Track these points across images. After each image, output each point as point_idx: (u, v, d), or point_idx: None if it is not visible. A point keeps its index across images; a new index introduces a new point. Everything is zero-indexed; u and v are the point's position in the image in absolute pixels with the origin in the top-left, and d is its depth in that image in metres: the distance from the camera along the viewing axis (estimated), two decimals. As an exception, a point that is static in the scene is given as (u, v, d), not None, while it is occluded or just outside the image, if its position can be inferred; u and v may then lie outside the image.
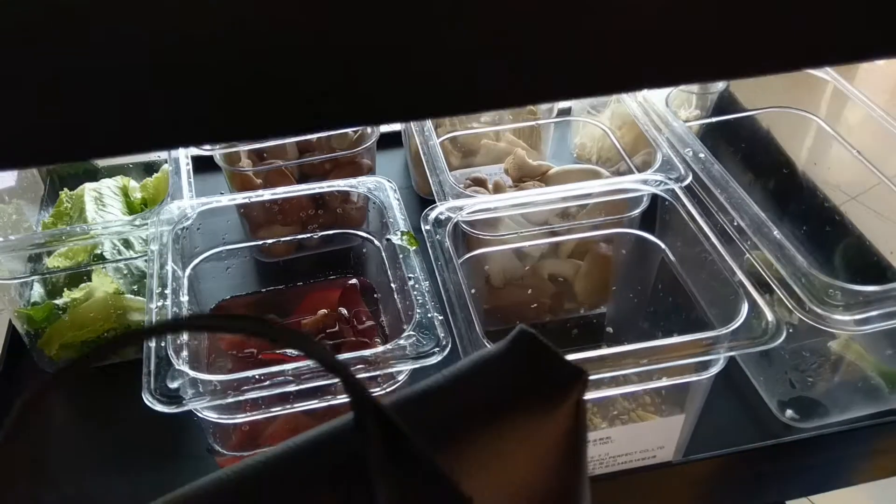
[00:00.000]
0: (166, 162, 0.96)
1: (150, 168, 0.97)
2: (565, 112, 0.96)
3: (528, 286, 0.79)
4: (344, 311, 0.70)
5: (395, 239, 0.62)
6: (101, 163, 0.98)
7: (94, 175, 0.96)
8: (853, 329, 0.57)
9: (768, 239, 0.62)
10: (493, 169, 0.89)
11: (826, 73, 0.81)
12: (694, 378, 0.57)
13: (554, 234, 0.78)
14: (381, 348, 0.54)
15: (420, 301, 0.58)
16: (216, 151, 0.79)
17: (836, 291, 0.57)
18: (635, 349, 0.53)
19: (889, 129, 0.75)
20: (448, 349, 0.55)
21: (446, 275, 0.60)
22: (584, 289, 0.80)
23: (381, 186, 0.69)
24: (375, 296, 0.72)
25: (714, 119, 0.88)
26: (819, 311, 0.56)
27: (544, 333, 0.72)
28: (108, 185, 0.92)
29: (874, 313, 0.56)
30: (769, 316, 0.55)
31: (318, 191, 0.69)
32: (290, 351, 0.66)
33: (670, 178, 0.68)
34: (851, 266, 0.84)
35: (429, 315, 0.57)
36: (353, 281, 0.73)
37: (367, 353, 0.53)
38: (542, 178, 0.86)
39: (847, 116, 0.80)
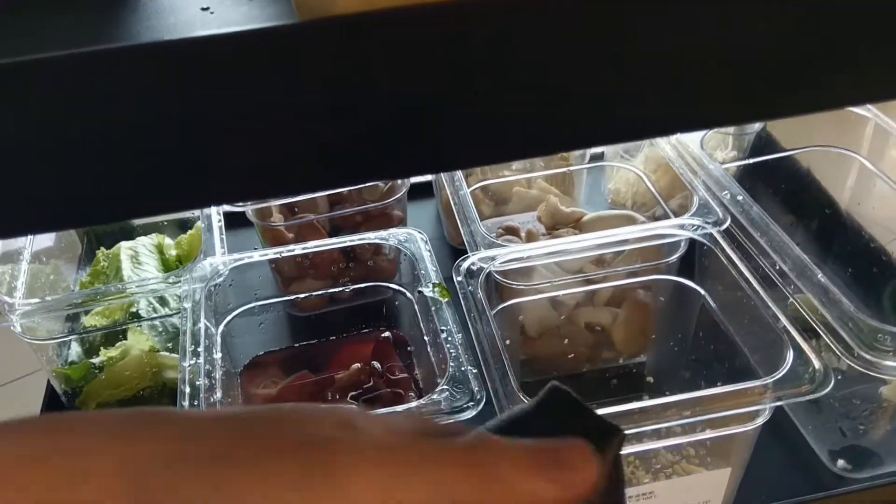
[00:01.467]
0: (199, 219, 0.97)
1: (185, 225, 0.98)
2: (598, 157, 0.96)
3: (564, 336, 0.77)
4: (377, 364, 0.69)
5: (427, 291, 0.62)
6: (137, 221, 0.99)
7: (130, 233, 0.97)
8: (906, 375, 0.54)
9: (812, 282, 0.60)
10: (525, 217, 0.88)
11: (867, 111, 0.79)
12: (740, 429, 0.55)
13: (589, 282, 0.77)
14: (414, 403, 0.53)
15: (453, 354, 0.57)
16: (248, 207, 0.80)
17: (885, 336, 0.54)
18: (678, 400, 0.51)
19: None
20: (483, 403, 0.54)
21: (479, 326, 0.59)
22: (622, 337, 0.78)
23: (412, 238, 0.68)
24: (409, 349, 0.71)
25: (752, 160, 0.86)
26: (868, 356, 0.54)
27: (583, 384, 0.71)
28: (144, 243, 0.93)
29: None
30: (816, 363, 0.53)
31: (348, 244, 0.69)
32: (323, 407, 0.65)
33: (707, 222, 0.67)
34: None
35: (462, 368, 0.56)
36: (386, 334, 0.72)
37: (400, 408, 0.52)
38: (576, 224, 0.85)
39: (890, 153, 0.77)
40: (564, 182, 0.96)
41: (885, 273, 0.81)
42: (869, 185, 0.80)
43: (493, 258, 0.65)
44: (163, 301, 0.82)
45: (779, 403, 0.52)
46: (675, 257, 0.69)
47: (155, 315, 0.75)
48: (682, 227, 0.66)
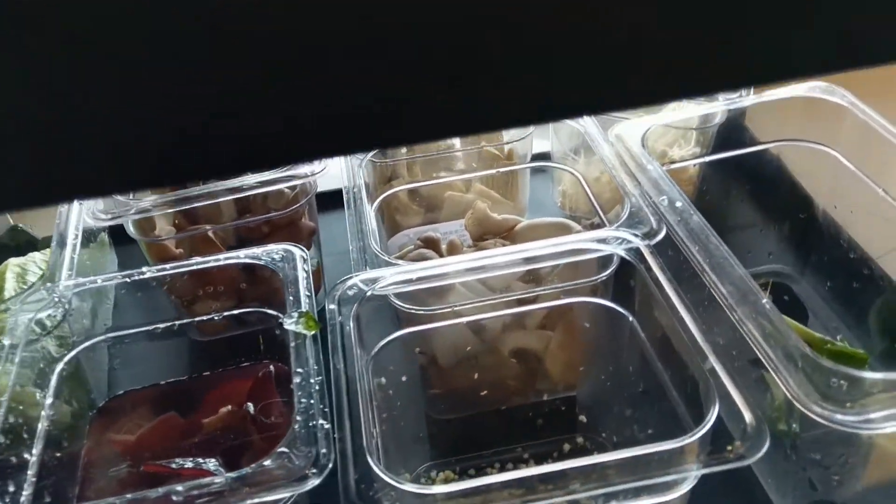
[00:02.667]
0: (104, 231, 0.87)
1: (88, 240, 0.88)
2: (543, 157, 0.84)
3: (485, 365, 0.66)
4: (251, 406, 0.58)
5: (290, 324, 0.51)
6: (43, 234, 0.90)
7: (30, 246, 0.88)
8: (866, 429, 0.43)
9: (755, 309, 0.48)
10: (453, 226, 0.77)
11: (842, 98, 0.67)
12: (656, 500, 0.44)
13: (519, 302, 0.66)
14: (234, 473, 0.42)
15: (303, 405, 0.46)
16: (129, 217, 0.69)
17: (840, 381, 0.43)
18: (559, 470, 0.40)
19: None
20: (327, 471, 0.43)
21: (341, 367, 0.48)
22: (557, 366, 0.67)
23: (288, 256, 0.57)
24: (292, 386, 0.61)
25: (713, 157, 0.75)
26: (818, 407, 0.42)
27: (506, 423, 0.59)
28: (35, 260, 0.83)
29: (889, 412, 0.42)
30: (747, 417, 0.41)
31: (210, 265, 0.58)
32: (177, 461, 0.55)
33: (636, 234, 0.55)
34: (890, 331, 0.69)
35: (311, 423, 0.45)
36: (270, 368, 0.62)
37: (208, 481, 0.41)
38: (509, 234, 0.74)
39: (870, 149, 0.65)
40: (507, 185, 0.85)
41: (868, 288, 0.69)
42: (846, 185, 0.68)
43: (373, 281, 0.54)
44: (42, 325, 0.72)
45: (694, 473, 0.40)
46: (604, 275, 0.58)
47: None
48: (602, 240, 0.55)
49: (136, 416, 0.62)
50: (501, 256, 0.56)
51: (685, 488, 0.43)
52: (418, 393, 0.61)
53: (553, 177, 0.86)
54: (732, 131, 0.78)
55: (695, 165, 0.77)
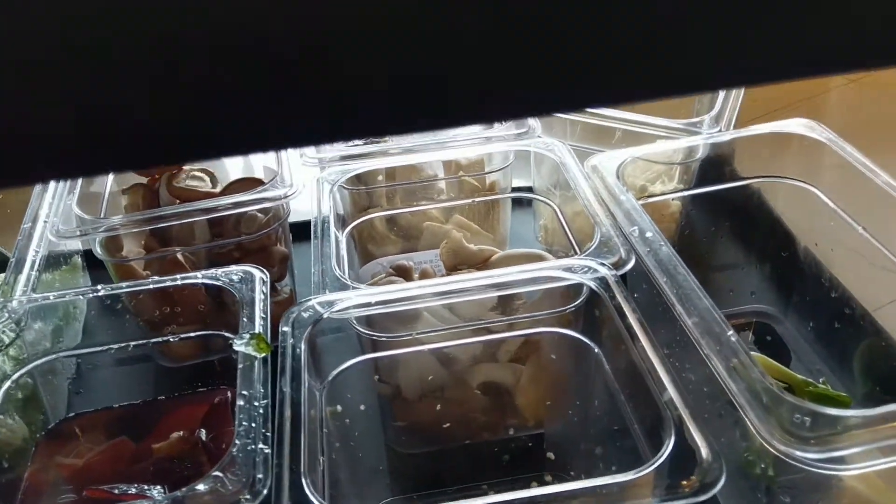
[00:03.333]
0: (79, 255, 0.86)
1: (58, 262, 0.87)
2: (525, 190, 0.83)
3: (452, 398, 0.64)
4: (203, 433, 0.56)
5: (240, 345, 0.49)
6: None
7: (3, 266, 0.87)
8: (831, 468, 0.40)
9: (720, 342, 0.46)
10: (429, 255, 0.76)
11: (822, 136, 0.66)
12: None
13: (488, 331, 0.64)
14: (166, 497, 0.40)
15: (243, 428, 0.44)
16: (97, 235, 0.68)
17: (803, 418, 0.41)
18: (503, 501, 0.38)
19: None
20: (261, 496, 0.41)
21: (287, 391, 0.46)
22: (528, 401, 0.65)
23: (247, 278, 0.56)
24: (248, 412, 0.59)
25: (693, 192, 0.74)
26: (780, 445, 0.40)
27: (472, 460, 0.56)
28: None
29: (859, 449, 0.40)
30: (704, 451, 0.39)
31: (166, 285, 0.57)
32: (120, 487, 0.53)
33: (603, 264, 0.53)
34: (874, 375, 0.67)
35: (250, 447, 0.43)
36: (226, 395, 0.60)
37: None
38: (484, 265, 0.72)
39: (850, 186, 0.64)
40: (489, 217, 0.84)
41: (849, 329, 0.67)
42: (826, 223, 0.66)
43: (331, 304, 0.52)
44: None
45: (647, 509, 0.38)
46: (572, 306, 0.56)
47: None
48: (569, 269, 0.53)
49: (87, 440, 0.60)
50: (467, 282, 0.54)
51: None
52: (379, 424, 0.59)
53: (535, 211, 0.85)
54: (714, 167, 0.77)
55: (674, 200, 0.76)
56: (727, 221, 0.75)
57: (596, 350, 0.53)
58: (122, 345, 0.59)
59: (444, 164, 0.82)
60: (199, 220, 0.75)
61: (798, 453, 0.39)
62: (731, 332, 0.46)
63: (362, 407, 0.56)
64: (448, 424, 0.63)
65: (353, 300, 0.53)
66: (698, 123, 0.73)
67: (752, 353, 0.67)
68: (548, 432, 0.61)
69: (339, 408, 0.53)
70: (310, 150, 0.73)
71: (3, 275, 0.82)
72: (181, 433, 0.56)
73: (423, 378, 0.63)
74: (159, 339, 0.61)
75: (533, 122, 0.73)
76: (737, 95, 0.73)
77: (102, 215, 0.70)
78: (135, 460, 0.57)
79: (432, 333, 0.61)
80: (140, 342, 0.60)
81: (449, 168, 0.82)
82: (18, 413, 0.56)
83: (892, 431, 0.40)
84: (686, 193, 0.74)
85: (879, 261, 0.60)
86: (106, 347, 0.60)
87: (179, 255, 0.73)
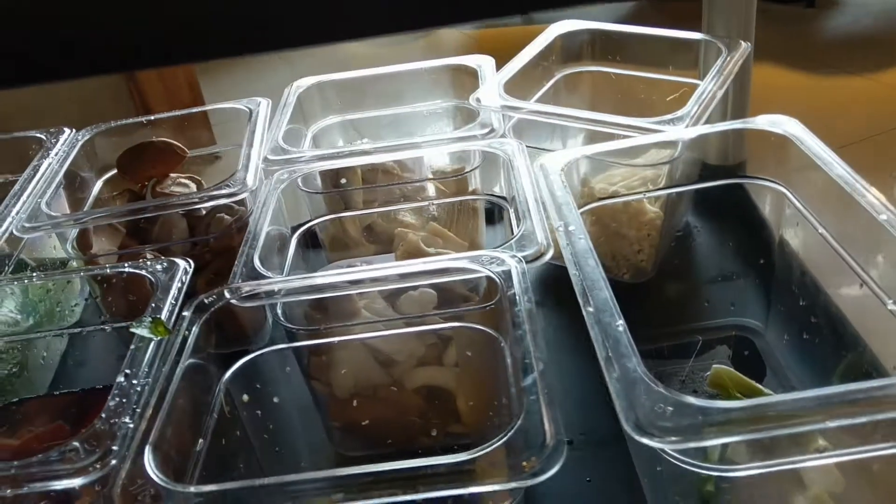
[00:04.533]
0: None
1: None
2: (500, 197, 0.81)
3: (388, 399, 0.62)
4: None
5: (137, 326, 0.50)
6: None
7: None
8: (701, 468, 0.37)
9: (607, 333, 0.43)
10: (388, 258, 0.75)
11: (784, 131, 0.62)
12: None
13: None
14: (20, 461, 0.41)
15: (113, 403, 0.44)
16: (71, 235, 0.71)
17: (665, 407, 0.37)
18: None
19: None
20: (109, 467, 0.40)
21: (165, 370, 0.46)
22: (468, 406, 0.63)
23: (171, 268, 0.57)
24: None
25: (660, 192, 0.70)
26: (642, 437, 0.37)
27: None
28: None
29: (727, 440, 0.36)
30: (548, 435, 0.37)
31: (106, 271, 0.58)
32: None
33: (514, 256, 0.51)
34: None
35: (111, 421, 0.43)
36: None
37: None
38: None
39: (816, 186, 0.59)
40: (469, 224, 0.82)
41: (826, 343, 0.61)
42: (794, 226, 0.62)
43: (236, 290, 0.52)
44: None
45: (487, 488, 0.36)
46: (492, 303, 0.54)
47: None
48: (477, 260, 0.51)
49: (31, 424, 0.61)
50: (377, 271, 0.53)
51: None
52: (298, 418, 0.58)
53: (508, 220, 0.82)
54: (695, 171, 0.74)
55: (653, 208, 0.72)
56: (709, 228, 0.71)
57: (502, 343, 0.50)
58: (67, 331, 0.61)
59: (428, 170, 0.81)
60: (177, 223, 0.77)
61: (653, 443, 0.36)
62: (619, 323, 0.43)
63: (276, 399, 0.55)
64: (387, 428, 0.61)
65: (261, 289, 0.53)
66: (671, 121, 0.69)
67: (715, 365, 0.63)
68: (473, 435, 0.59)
69: (245, 397, 0.53)
70: (276, 152, 0.74)
71: None
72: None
73: (359, 378, 0.62)
74: (96, 327, 0.62)
75: (496, 123, 0.71)
76: (711, 96, 0.69)
77: (87, 207, 0.73)
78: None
79: (368, 328, 0.60)
80: (77, 329, 0.62)
81: (431, 174, 0.81)
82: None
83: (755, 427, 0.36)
84: (657, 193, 0.70)
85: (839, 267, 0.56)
86: (49, 330, 0.61)
87: (149, 254, 0.74)
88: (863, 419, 0.37)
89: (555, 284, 0.75)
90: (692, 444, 0.36)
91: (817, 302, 0.61)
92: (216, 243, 0.74)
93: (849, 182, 0.54)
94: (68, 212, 0.76)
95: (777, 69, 1.78)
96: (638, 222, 0.74)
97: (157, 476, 0.39)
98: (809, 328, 0.63)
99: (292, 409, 0.57)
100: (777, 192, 0.64)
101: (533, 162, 0.65)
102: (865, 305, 0.53)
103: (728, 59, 0.75)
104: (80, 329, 0.63)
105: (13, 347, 0.64)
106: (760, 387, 0.62)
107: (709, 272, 0.74)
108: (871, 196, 0.51)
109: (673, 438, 0.36)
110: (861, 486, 0.51)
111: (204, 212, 0.77)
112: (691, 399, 0.37)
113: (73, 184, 0.80)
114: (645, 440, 0.36)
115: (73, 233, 0.73)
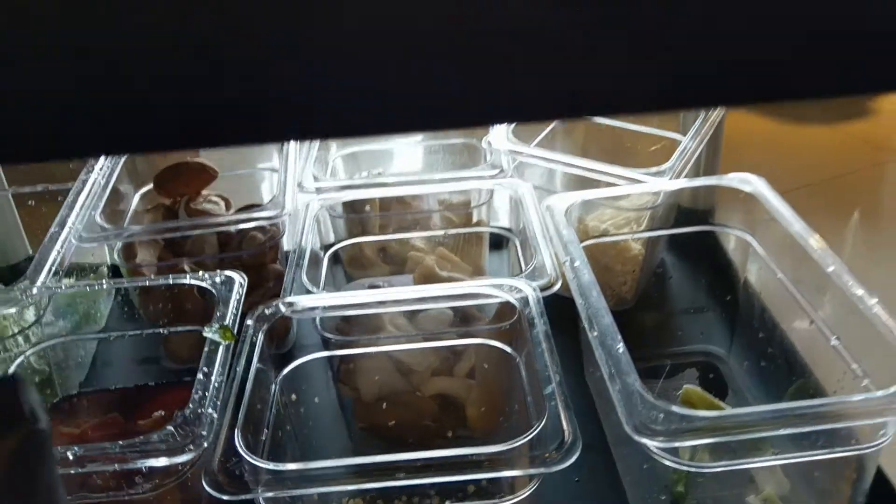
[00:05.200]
0: (104, 265, 0.97)
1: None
2: (506, 229, 0.91)
3: (405, 404, 0.72)
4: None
5: (209, 332, 0.58)
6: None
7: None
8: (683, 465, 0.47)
9: (610, 354, 0.53)
10: (406, 279, 0.84)
11: (751, 186, 0.73)
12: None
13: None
14: (124, 441, 0.49)
15: (197, 395, 0.53)
16: (117, 242, 0.79)
17: (658, 414, 0.47)
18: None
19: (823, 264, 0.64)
20: (202, 448, 0.49)
21: (239, 369, 0.55)
22: (476, 413, 0.72)
23: (228, 281, 0.65)
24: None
25: (650, 234, 0.81)
26: (637, 437, 0.47)
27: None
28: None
29: (703, 442, 0.46)
30: (566, 433, 0.46)
31: (158, 283, 0.67)
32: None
33: (531, 285, 0.61)
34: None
35: (199, 410, 0.52)
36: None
37: (100, 446, 0.49)
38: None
39: (776, 236, 0.70)
40: (471, 251, 0.92)
41: (779, 369, 0.72)
42: (756, 269, 0.73)
43: (291, 304, 0.61)
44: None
45: (510, 473, 0.45)
46: (507, 323, 0.64)
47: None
48: (499, 287, 0.61)
49: (86, 415, 0.69)
50: (410, 293, 0.63)
51: (525, 492, 0.48)
52: (332, 418, 0.67)
53: (510, 247, 0.93)
54: (672, 215, 0.85)
55: (636, 245, 0.83)
56: (684, 266, 0.82)
57: (517, 360, 0.60)
58: (127, 333, 0.69)
59: (437, 201, 0.91)
60: (210, 238, 0.85)
61: (649, 442, 0.46)
62: (620, 346, 0.54)
63: (316, 399, 0.64)
64: (405, 429, 0.70)
65: (310, 303, 0.62)
66: (656, 173, 0.80)
67: (686, 385, 0.74)
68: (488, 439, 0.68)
69: (293, 396, 0.62)
70: (307, 180, 0.83)
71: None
72: (162, 413, 0.65)
73: (383, 383, 0.71)
74: (157, 331, 0.70)
75: (505, 164, 0.82)
76: (691, 152, 0.80)
77: (126, 223, 0.81)
78: (123, 434, 0.66)
79: (392, 341, 0.69)
80: (135, 332, 0.70)
81: (439, 204, 0.91)
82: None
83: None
84: (643, 235, 0.81)
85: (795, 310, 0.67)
86: (109, 334, 0.69)
87: (186, 266, 0.83)
88: (806, 429, 0.47)
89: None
90: (676, 444, 0.46)
91: (773, 335, 0.72)
92: (249, 259, 0.83)
93: (804, 236, 0.65)
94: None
95: (750, 116, 1.92)
96: (624, 258, 0.84)
97: (248, 455, 0.47)
98: (766, 356, 0.74)
99: (329, 408, 0.66)
100: (743, 239, 0.75)
101: (540, 202, 0.75)
102: (813, 340, 0.64)
103: (706, 117, 0.87)
104: (122, 333, 0.71)
105: (58, 347, 0.71)
106: (724, 404, 0.73)
107: (681, 304, 0.85)
108: (822, 250, 0.62)
109: (662, 438, 0.46)
110: (803, 488, 0.62)
111: (234, 229, 0.86)
112: (676, 409, 0.47)
113: (114, 196, 0.88)
114: (642, 439, 0.46)
115: (118, 243, 0.81)
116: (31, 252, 1.02)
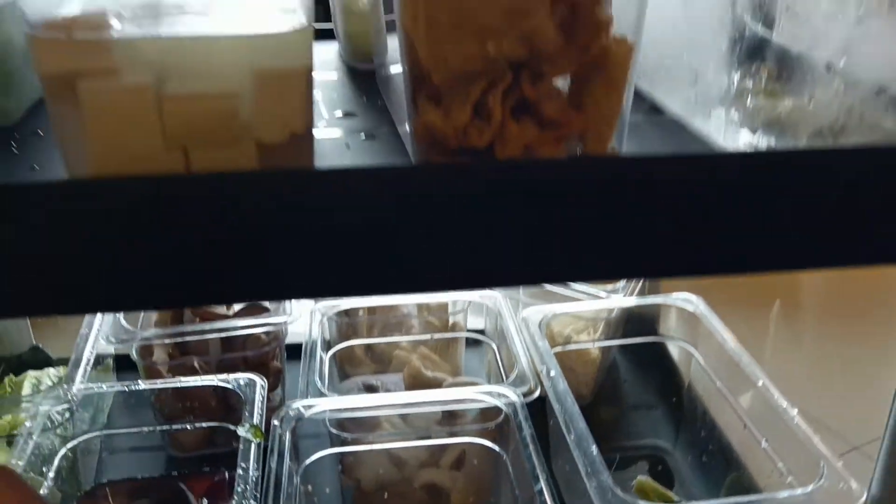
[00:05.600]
0: (111, 358, 1.05)
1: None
2: (478, 332, 1.03)
3: (400, 493, 0.81)
4: (205, 502, 0.73)
5: (242, 431, 0.68)
6: (55, 354, 1.07)
7: (46, 364, 1.05)
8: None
9: (586, 455, 0.65)
10: (394, 377, 0.95)
11: (697, 308, 0.87)
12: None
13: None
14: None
15: (240, 490, 0.62)
16: (134, 344, 0.88)
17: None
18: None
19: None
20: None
21: (273, 467, 0.64)
22: (468, 501, 0.82)
23: (251, 384, 0.75)
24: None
25: (607, 343, 0.93)
26: (611, 526, 0.58)
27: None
28: (49, 374, 1.00)
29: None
30: (556, 526, 0.57)
31: (191, 384, 0.76)
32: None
33: (515, 391, 0.73)
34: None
35: (242, 502, 0.61)
36: (224, 475, 0.77)
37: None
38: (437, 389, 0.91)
39: (714, 350, 0.84)
40: (448, 352, 1.04)
41: (718, 465, 0.85)
42: (698, 376, 0.86)
43: (310, 406, 0.71)
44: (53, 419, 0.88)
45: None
46: (493, 424, 0.75)
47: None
48: (489, 393, 0.72)
49: (115, 502, 0.77)
50: (405, 398, 0.73)
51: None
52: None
53: (484, 350, 1.04)
54: (629, 325, 0.98)
55: (593, 349, 0.95)
56: (636, 369, 0.95)
57: (504, 457, 0.71)
58: (146, 429, 0.78)
59: (417, 306, 1.02)
60: (213, 337, 0.95)
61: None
62: (593, 447, 0.65)
63: (327, 490, 0.73)
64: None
65: (326, 406, 0.72)
66: (613, 290, 0.94)
67: (640, 476, 0.86)
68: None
69: (310, 487, 0.71)
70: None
71: (49, 369, 1.01)
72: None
73: (379, 475, 0.81)
74: (178, 427, 0.79)
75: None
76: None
77: (140, 326, 0.90)
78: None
79: (388, 438, 0.79)
80: (162, 427, 0.78)
81: (420, 309, 1.02)
82: (62, 479, 0.74)
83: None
84: (602, 344, 0.94)
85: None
86: (131, 430, 0.78)
87: (196, 364, 0.92)
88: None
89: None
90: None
91: (713, 434, 0.85)
92: (253, 357, 0.92)
93: (738, 353, 0.79)
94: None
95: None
96: (584, 361, 0.97)
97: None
98: (707, 452, 0.86)
99: (336, 498, 0.75)
100: (686, 350, 0.89)
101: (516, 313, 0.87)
102: (746, 441, 0.77)
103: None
104: (152, 428, 0.79)
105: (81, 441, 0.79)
106: (672, 494, 0.85)
107: (633, 402, 0.97)
108: (753, 366, 0.76)
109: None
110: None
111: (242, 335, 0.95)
112: (641, 502, 0.59)
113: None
114: (616, 528, 0.57)
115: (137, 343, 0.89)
116: (34, 342, 1.09)
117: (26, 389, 0.96)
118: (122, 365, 1.02)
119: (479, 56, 0.43)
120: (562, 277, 0.41)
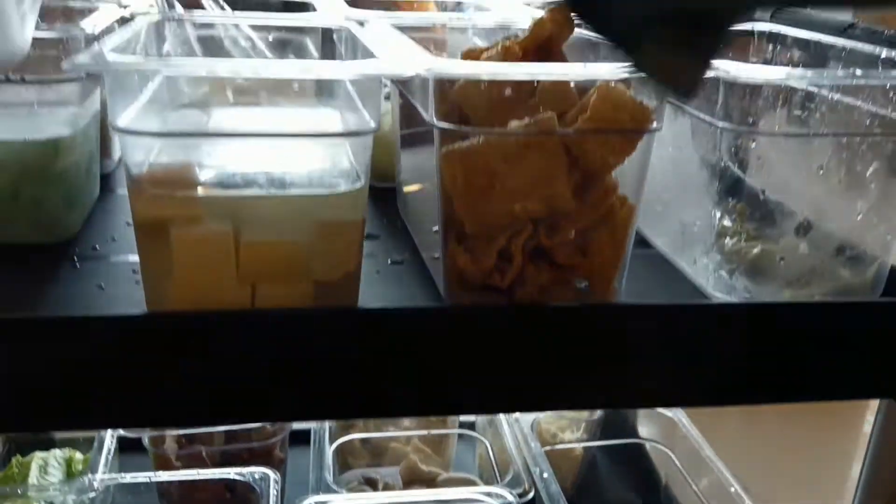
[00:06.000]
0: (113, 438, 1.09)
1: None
2: (469, 426, 1.09)
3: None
4: None
5: (262, 526, 0.73)
6: (59, 435, 1.11)
7: (50, 445, 1.09)
8: None
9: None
10: (391, 471, 1.00)
11: (674, 415, 0.95)
12: None
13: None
14: None
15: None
16: (145, 434, 0.92)
17: None
18: None
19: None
20: None
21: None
22: None
23: (265, 478, 0.80)
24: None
25: (590, 444, 1.00)
26: None
27: None
28: (56, 455, 1.04)
29: None
30: None
31: (205, 477, 0.81)
32: None
33: (511, 492, 0.79)
34: None
35: None
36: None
37: None
38: (432, 483, 0.97)
39: (691, 458, 0.91)
40: (441, 444, 1.09)
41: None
42: (674, 477, 0.93)
43: (325, 502, 0.77)
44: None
45: None
46: (490, 522, 0.80)
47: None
48: (488, 494, 0.78)
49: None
50: (413, 497, 0.79)
51: None
52: None
53: (475, 444, 1.10)
54: (610, 426, 1.05)
55: (576, 448, 1.02)
56: (617, 467, 1.02)
57: (501, 557, 0.77)
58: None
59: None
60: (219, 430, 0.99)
61: None
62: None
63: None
64: None
65: (337, 502, 0.78)
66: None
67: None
68: None
69: (318, 578, 0.76)
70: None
71: (55, 450, 1.04)
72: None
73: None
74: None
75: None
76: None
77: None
78: None
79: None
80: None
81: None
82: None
83: None
84: (587, 444, 1.00)
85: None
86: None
87: (203, 453, 0.96)
88: None
89: None
90: None
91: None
92: (258, 448, 0.97)
93: (713, 460, 0.86)
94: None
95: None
96: (567, 458, 1.03)
97: None
98: (683, 550, 0.93)
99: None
100: (664, 452, 0.96)
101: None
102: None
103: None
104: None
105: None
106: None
107: (611, 499, 1.03)
108: (726, 473, 0.83)
109: None
110: None
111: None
112: None
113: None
114: None
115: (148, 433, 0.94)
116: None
117: (34, 471, 0.99)
118: (123, 445, 1.05)
119: (506, 213, 0.51)
120: (562, 406, 0.49)
